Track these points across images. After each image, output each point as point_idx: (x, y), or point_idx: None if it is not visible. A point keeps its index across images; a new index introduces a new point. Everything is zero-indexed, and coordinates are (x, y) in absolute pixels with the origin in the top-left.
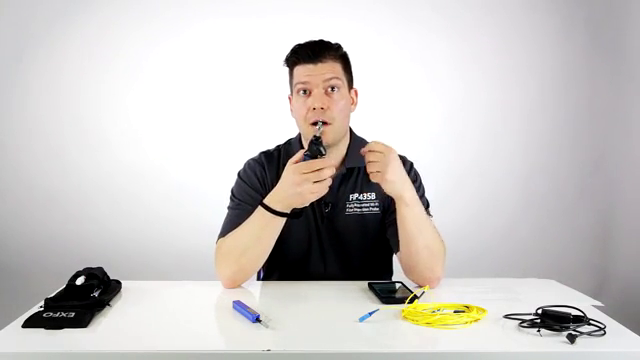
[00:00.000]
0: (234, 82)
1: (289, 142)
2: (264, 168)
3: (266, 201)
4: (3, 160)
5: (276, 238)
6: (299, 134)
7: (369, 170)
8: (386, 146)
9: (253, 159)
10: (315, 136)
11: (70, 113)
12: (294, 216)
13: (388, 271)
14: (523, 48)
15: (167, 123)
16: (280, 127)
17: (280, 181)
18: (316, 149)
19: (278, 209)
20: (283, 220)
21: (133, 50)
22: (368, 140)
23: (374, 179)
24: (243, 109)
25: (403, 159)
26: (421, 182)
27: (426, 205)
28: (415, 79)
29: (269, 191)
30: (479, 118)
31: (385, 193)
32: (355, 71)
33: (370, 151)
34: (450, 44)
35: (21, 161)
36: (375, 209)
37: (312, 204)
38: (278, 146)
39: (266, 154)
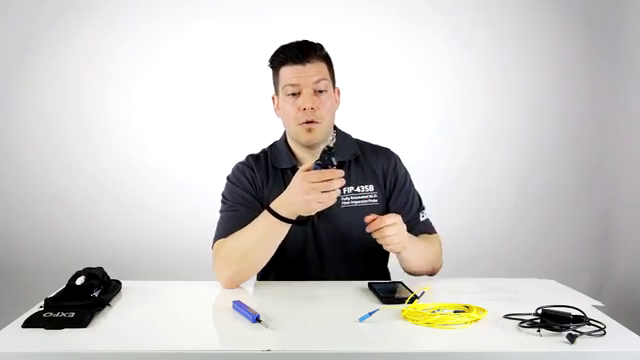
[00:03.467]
0: (237, 83)
1: (274, 144)
2: (253, 170)
3: (272, 206)
4: (5, 159)
5: (279, 243)
6: (284, 135)
7: (390, 243)
8: (393, 215)
9: (241, 162)
10: (328, 146)
11: (73, 112)
12: (299, 223)
13: (386, 265)
14: (522, 48)
15: (170, 123)
16: (282, 127)
17: (288, 187)
18: (327, 159)
19: (284, 215)
20: (288, 226)
21: (136, 50)
22: (353, 135)
23: (396, 249)
24: (246, 110)
25: (390, 152)
26: (409, 176)
27: (419, 199)
28: (413, 79)
29: (260, 192)
30: (477, 118)
31: (384, 184)
32: (353, 70)
33: (385, 226)
34: (449, 44)
35: (23, 160)
36: (374, 200)
37: None
38: (264, 149)
39: (253, 156)
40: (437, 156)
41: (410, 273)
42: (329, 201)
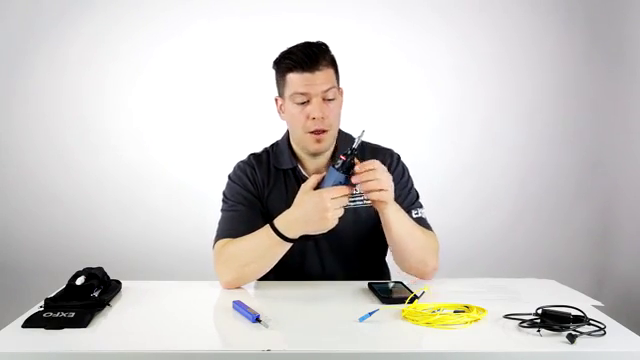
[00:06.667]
0: (236, 82)
1: (276, 144)
2: (254, 169)
3: (279, 226)
4: (5, 159)
5: (281, 256)
6: (286, 135)
7: (371, 188)
8: (373, 161)
9: (242, 161)
10: (351, 149)
11: (72, 113)
12: (303, 239)
13: (385, 265)
14: (521, 48)
15: (169, 123)
16: (283, 127)
17: (298, 206)
18: (349, 164)
19: (290, 236)
20: (291, 244)
21: (135, 50)
22: (353, 135)
23: (380, 198)
24: (246, 109)
25: (390, 152)
26: (409, 175)
27: (416, 197)
28: (413, 78)
29: (261, 191)
30: (477, 117)
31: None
32: (353, 70)
33: (367, 170)
34: (448, 43)
35: (23, 160)
36: (369, 201)
37: None
38: (266, 148)
39: (255, 156)
40: (437, 156)
41: (403, 266)
42: (338, 217)
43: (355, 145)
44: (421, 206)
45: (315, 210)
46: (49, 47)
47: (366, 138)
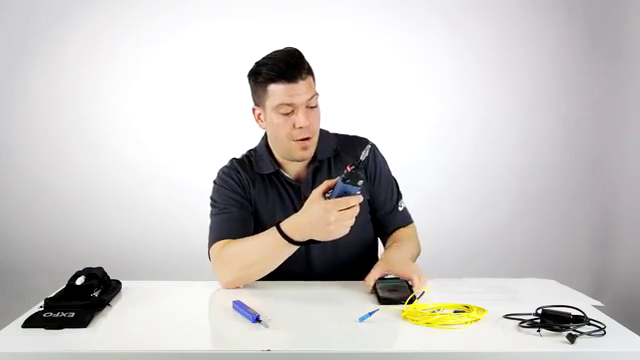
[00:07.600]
0: (235, 81)
1: (255, 150)
2: (239, 172)
3: (285, 230)
4: (4, 159)
5: (286, 257)
6: (264, 140)
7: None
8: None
9: (226, 166)
10: (360, 160)
11: (71, 113)
12: (312, 242)
13: (374, 257)
14: (521, 47)
15: (168, 122)
16: None
17: (306, 212)
18: (356, 176)
19: (297, 239)
20: (298, 246)
21: (132, 50)
22: (330, 130)
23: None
24: (245, 108)
25: (364, 141)
26: (387, 164)
27: (397, 186)
28: (412, 77)
29: (248, 193)
30: (476, 117)
31: (366, 175)
32: (354, 70)
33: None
34: (447, 43)
35: (22, 161)
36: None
37: (291, 200)
38: (245, 154)
39: (237, 160)
40: (437, 155)
41: None
42: (349, 227)
43: (362, 157)
44: (402, 196)
45: (320, 222)
46: (47, 47)
47: (367, 136)
